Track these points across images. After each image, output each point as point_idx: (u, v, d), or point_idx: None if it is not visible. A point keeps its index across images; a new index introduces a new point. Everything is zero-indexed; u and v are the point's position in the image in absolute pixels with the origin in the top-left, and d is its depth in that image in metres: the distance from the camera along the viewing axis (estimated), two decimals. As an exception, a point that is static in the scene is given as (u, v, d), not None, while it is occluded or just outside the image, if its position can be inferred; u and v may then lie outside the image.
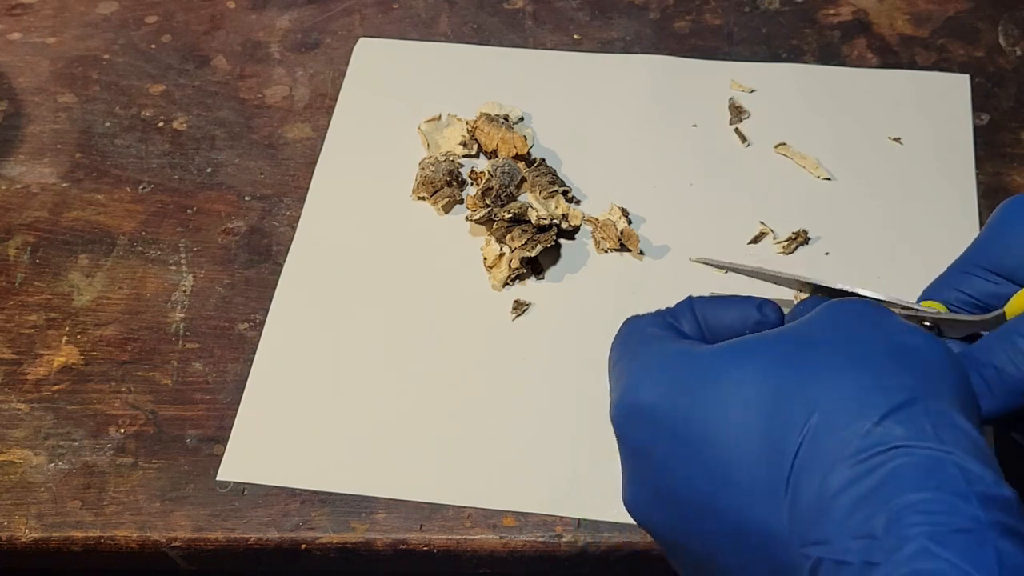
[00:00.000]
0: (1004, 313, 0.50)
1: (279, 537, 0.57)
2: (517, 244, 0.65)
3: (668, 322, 0.48)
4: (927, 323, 0.51)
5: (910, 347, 0.43)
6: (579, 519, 0.57)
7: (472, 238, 0.68)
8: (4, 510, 0.58)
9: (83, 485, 0.59)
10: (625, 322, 0.49)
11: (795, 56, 0.77)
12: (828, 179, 0.70)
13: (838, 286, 0.57)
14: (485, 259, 0.66)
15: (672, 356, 0.46)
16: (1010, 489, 0.39)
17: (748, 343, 0.45)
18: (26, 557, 0.58)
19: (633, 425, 0.45)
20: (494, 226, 0.67)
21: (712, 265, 0.65)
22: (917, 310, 0.51)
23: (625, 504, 0.47)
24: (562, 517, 0.57)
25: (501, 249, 0.66)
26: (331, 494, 0.58)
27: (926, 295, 0.53)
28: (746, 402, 0.43)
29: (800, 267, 0.66)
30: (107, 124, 0.75)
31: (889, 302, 0.52)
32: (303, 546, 0.57)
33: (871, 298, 0.55)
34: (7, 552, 0.58)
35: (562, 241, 0.68)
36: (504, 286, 0.66)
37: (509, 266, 0.65)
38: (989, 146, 0.71)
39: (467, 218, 0.68)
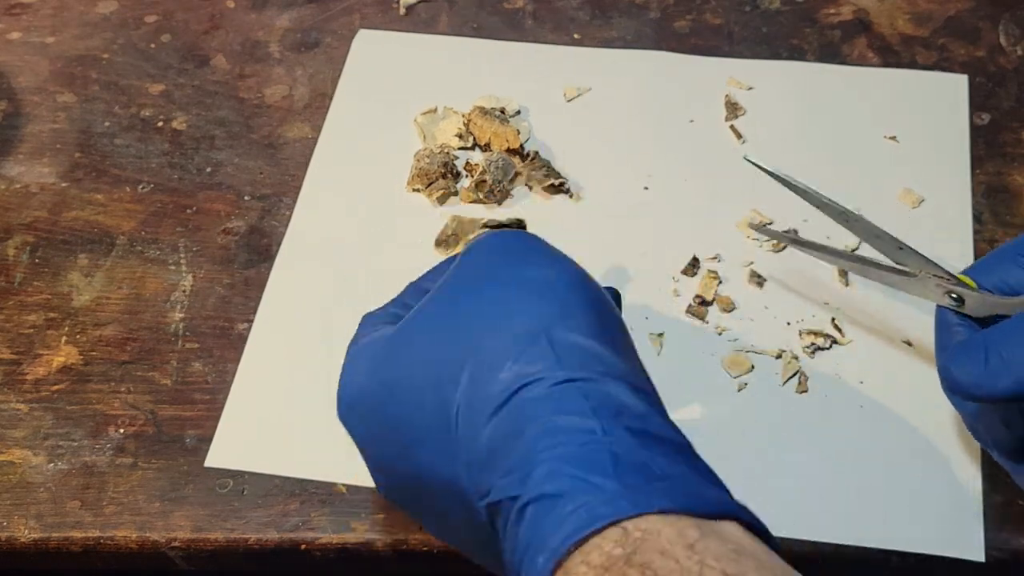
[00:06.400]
0: None
1: (279, 537, 0.57)
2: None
3: (393, 312, 0.51)
4: (954, 295, 0.53)
5: (542, 280, 0.45)
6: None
7: None
8: (3, 510, 0.58)
9: (82, 485, 0.59)
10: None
11: (796, 55, 0.77)
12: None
13: (885, 262, 0.57)
14: None
15: (371, 344, 0.48)
16: (638, 396, 0.42)
17: (416, 311, 0.47)
18: (25, 557, 0.58)
19: (349, 418, 0.48)
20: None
21: (768, 235, 0.65)
22: (949, 278, 0.52)
23: (380, 494, 0.50)
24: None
25: None
26: (331, 494, 0.58)
27: (965, 272, 0.54)
28: (415, 373, 0.45)
29: (790, 262, 0.66)
30: (106, 124, 0.75)
31: (929, 262, 0.53)
32: (303, 546, 0.57)
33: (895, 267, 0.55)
34: (6, 552, 0.58)
35: (549, 229, 0.67)
36: None
37: None
38: (990, 146, 0.71)
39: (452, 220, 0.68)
